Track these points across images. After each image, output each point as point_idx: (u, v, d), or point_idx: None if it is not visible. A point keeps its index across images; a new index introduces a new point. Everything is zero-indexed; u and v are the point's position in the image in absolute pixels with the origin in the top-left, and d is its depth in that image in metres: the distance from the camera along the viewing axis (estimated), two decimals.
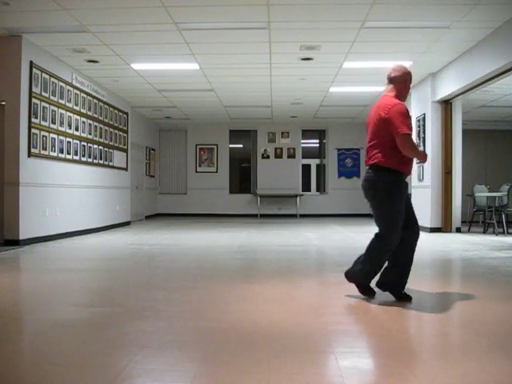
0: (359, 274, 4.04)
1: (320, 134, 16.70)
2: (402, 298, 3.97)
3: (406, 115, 3.79)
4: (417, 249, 3.99)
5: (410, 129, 3.79)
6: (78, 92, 9.46)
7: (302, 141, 16.60)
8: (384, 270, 4.02)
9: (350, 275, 4.12)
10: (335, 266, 5.94)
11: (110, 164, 11.24)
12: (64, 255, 6.97)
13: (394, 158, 3.80)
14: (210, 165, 16.47)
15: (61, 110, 8.71)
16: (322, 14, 6.66)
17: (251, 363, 2.54)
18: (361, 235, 9.46)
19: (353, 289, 4.39)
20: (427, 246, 7.92)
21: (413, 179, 11.22)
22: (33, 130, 7.78)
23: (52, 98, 8.40)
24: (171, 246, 7.97)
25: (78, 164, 9.48)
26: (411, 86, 4.16)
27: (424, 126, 10.38)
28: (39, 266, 6.03)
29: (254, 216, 15.83)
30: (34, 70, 7.82)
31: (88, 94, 9.96)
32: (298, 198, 15.93)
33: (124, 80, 10.37)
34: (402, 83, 3.95)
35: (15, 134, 7.48)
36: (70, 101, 9.09)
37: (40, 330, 3.20)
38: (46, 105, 8.20)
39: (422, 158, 4.06)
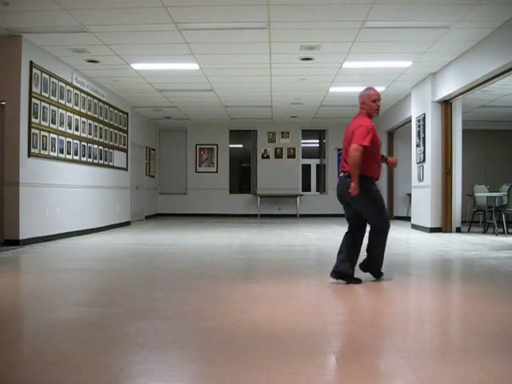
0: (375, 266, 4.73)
1: (320, 133, 16.71)
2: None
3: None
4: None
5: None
6: (77, 92, 9.46)
7: (302, 141, 16.61)
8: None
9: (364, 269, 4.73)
10: None
11: (110, 164, 11.24)
12: (64, 255, 6.97)
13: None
14: (210, 165, 16.47)
15: (61, 110, 8.71)
16: (321, 14, 6.66)
17: (251, 363, 2.54)
18: None
19: (353, 288, 4.40)
20: (427, 246, 7.88)
21: (413, 179, 11.22)
22: (33, 130, 7.78)
23: (52, 97, 8.40)
24: (171, 246, 7.96)
25: (78, 164, 9.48)
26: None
27: (424, 126, 10.38)
28: (39, 265, 6.03)
29: (254, 216, 15.83)
30: (34, 70, 7.82)
31: (88, 93, 9.96)
32: (297, 198, 15.94)
33: (124, 80, 10.37)
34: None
35: (15, 134, 7.48)
36: (70, 101, 9.09)
37: (40, 330, 3.20)
38: (46, 105, 8.20)
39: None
